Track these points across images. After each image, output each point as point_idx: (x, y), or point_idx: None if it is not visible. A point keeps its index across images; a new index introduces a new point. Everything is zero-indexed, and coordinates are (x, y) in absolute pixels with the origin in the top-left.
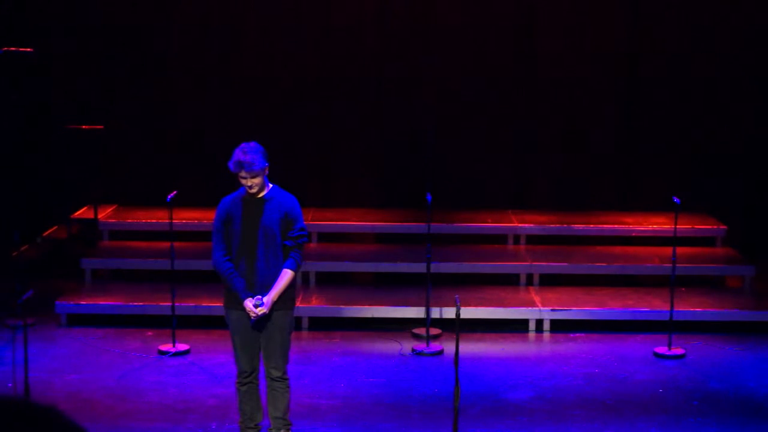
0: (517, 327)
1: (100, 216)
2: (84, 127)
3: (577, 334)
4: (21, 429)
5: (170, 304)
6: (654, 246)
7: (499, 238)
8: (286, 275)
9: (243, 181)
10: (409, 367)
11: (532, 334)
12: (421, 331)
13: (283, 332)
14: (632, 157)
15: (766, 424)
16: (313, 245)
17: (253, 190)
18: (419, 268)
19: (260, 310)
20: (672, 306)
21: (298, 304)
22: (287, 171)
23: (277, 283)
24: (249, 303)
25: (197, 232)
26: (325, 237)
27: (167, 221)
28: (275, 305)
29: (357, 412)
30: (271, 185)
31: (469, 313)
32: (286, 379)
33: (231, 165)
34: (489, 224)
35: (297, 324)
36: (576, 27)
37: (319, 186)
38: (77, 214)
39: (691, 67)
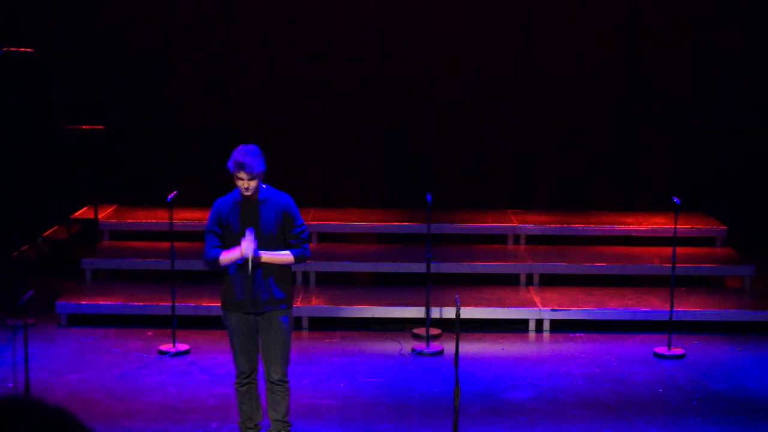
0: (517, 327)
1: (100, 216)
2: (84, 127)
3: (577, 334)
4: (31, 428)
5: (170, 304)
6: (654, 246)
7: (499, 238)
8: (285, 253)
9: (240, 183)
10: (409, 367)
11: (531, 334)
12: (421, 331)
13: (282, 333)
14: (632, 157)
15: (766, 424)
16: (313, 245)
17: (249, 193)
18: (419, 268)
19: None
20: (672, 306)
21: (298, 304)
22: (287, 171)
23: (274, 252)
24: (245, 242)
25: (197, 232)
26: (325, 237)
27: (167, 221)
28: (271, 305)
29: (357, 412)
30: (264, 186)
31: (468, 313)
32: (286, 382)
33: (230, 165)
34: (489, 224)
35: (297, 324)
36: (576, 27)
37: (319, 186)
38: (77, 214)
39: (691, 67)
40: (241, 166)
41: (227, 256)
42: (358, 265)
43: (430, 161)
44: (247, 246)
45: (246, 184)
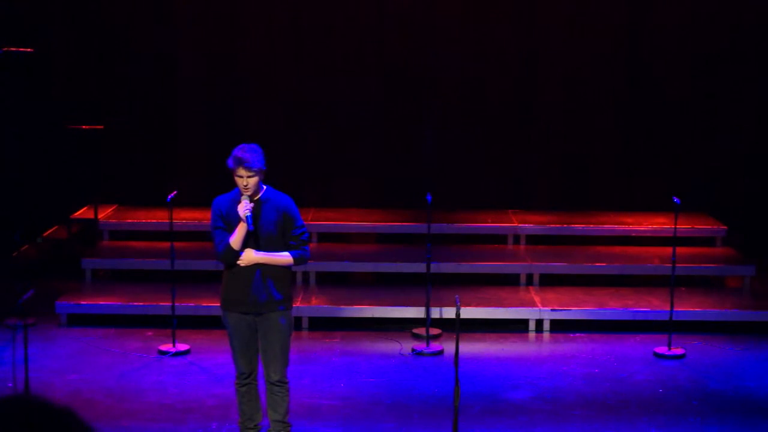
0: (517, 327)
1: (100, 216)
2: (84, 127)
3: (577, 334)
4: (36, 428)
5: (170, 304)
6: (654, 246)
7: (499, 238)
8: (284, 255)
9: (239, 180)
10: (409, 367)
11: (532, 334)
12: (421, 331)
13: (281, 334)
14: (632, 157)
15: (766, 424)
16: (313, 245)
17: (248, 191)
18: (419, 268)
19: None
20: (672, 306)
21: (298, 304)
22: (287, 171)
23: (272, 253)
24: (241, 206)
25: (197, 232)
26: (325, 237)
27: (167, 221)
28: (270, 305)
29: (357, 412)
30: (265, 187)
31: (469, 313)
32: (286, 383)
33: (230, 161)
34: (489, 224)
35: (297, 324)
36: (576, 26)
37: (319, 186)
38: (77, 214)
39: (691, 67)
40: (240, 162)
41: (235, 235)
42: (358, 265)
43: (430, 161)
44: (243, 207)
45: (245, 181)
